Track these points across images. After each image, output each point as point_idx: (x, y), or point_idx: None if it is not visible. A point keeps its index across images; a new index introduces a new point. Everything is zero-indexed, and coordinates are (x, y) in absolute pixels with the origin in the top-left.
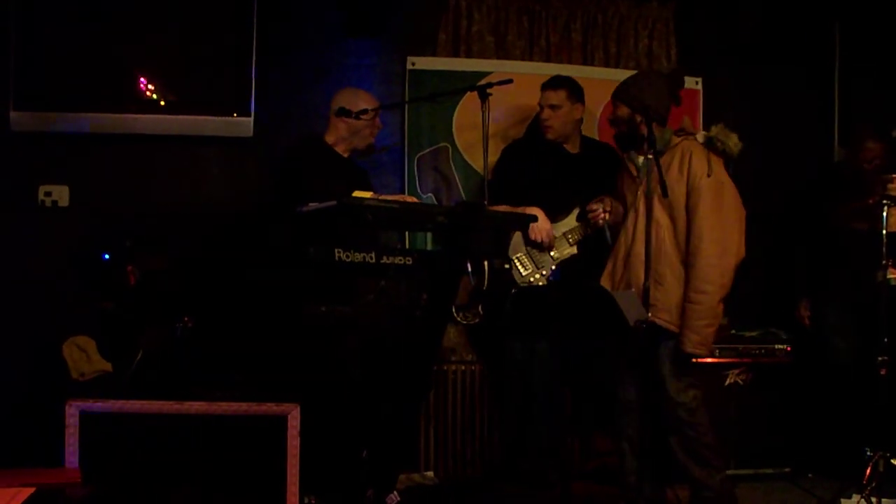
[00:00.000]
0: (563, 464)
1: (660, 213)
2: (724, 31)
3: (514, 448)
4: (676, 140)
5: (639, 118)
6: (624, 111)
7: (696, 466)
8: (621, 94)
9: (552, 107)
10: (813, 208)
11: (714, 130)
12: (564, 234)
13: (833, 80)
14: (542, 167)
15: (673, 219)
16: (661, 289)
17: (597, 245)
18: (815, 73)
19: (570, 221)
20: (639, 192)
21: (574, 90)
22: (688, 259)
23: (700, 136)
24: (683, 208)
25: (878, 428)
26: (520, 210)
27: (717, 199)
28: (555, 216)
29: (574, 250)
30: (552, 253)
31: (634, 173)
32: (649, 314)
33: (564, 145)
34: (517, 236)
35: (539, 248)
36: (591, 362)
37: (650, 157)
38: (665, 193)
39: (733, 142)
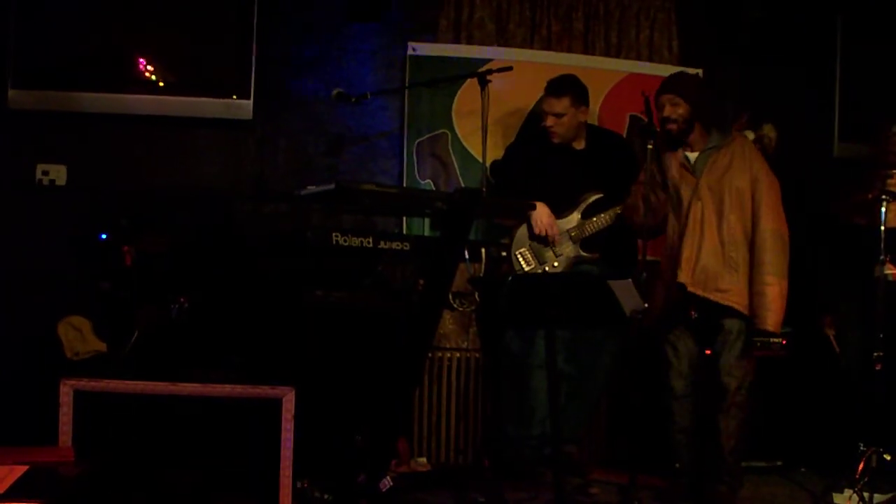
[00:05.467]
0: (555, 454)
1: (728, 203)
2: (726, 24)
3: (506, 436)
4: (733, 136)
5: (695, 119)
6: (684, 110)
7: (733, 453)
8: (682, 91)
9: (556, 115)
10: (813, 203)
11: (766, 129)
12: (567, 231)
13: (835, 74)
14: (547, 165)
15: (740, 207)
16: (736, 274)
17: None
18: (817, 66)
19: (574, 219)
20: (701, 185)
21: (578, 94)
22: (755, 248)
23: (750, 134)
24: (750, 198)
25: (872, 423)
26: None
27: (774, 191)
28: (558, 213)
29: (578, 249)
30: (555, 248)
31: (689, 168)
32: (722, 299)
33: (571, 143)
34: (521, 231)
35: (543, 242)
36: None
37: (695, 153)
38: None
39: (774, 139)
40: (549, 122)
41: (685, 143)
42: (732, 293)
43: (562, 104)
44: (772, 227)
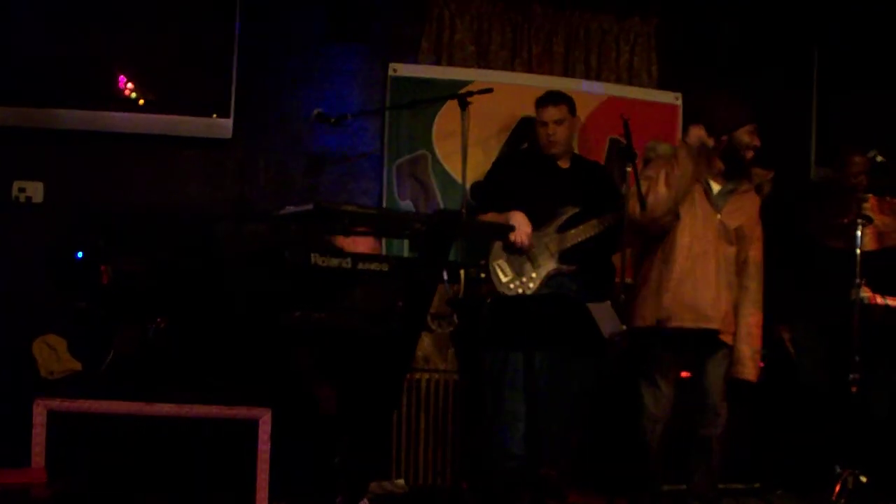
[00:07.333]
0: (533, 476)
1: (735, 248)
2: (704, 49)
3: (484, 458)
4: (747, 185)
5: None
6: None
7: (713, 481)
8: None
9: (557, 122)
10: (790, 226)
11: (765, 182)
12: (546, 244)
13: (811, 100)
14: (532, 178)
15: (740, 255)
16: (733, 315)
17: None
18: (794, 91)
19: (550, 232)
20: (718, 218)
21: (571, 104)
22: (753, 294)
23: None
24: (746, 249)
25: (849, 445)
26: (503, 216)
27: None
28: (537, 226)
29: (555, 263)
30: (533, 262)
31: (711, 199)
32: (725, 337)
33: (558, 161)
34: (498, 243)
35: (518, 252)
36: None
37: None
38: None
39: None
40: (551, 129)
41: (716, 172)
42: (730, 333)
43: (560, 111)
44: (758, 285)
